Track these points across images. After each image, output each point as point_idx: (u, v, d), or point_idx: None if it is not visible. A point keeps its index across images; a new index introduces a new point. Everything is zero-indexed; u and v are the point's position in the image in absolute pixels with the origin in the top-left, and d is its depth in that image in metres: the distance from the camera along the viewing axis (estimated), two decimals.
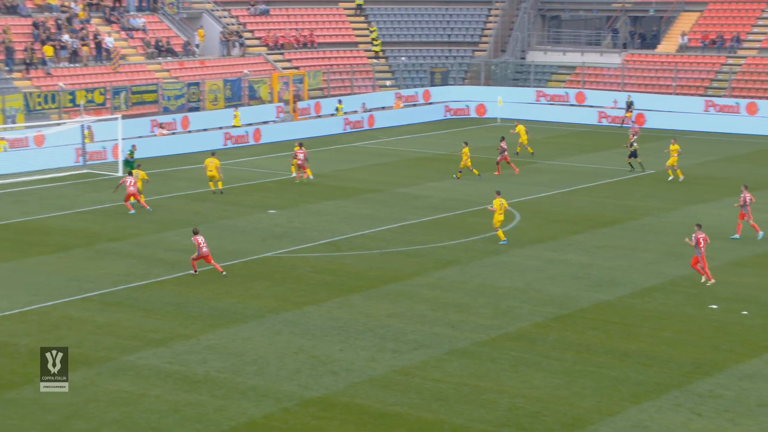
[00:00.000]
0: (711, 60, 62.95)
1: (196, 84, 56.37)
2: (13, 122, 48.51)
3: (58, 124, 46.95)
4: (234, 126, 54.33)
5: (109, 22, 59.38)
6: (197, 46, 61.69)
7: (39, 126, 46.73)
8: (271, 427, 19.94)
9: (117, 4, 60.62)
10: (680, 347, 24.24)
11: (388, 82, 63.78)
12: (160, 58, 58.92)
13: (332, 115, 59.21)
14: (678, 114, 59.03)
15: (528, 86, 65.12)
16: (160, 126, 52.00)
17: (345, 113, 59.21)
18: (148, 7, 62.03)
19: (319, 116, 59.09)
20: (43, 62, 53.72)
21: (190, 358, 23.22)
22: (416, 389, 21.60)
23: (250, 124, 55.24)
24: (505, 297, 27.85)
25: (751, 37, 63.51)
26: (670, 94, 61.29)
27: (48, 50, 54.09)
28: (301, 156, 43.05)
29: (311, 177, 43.30)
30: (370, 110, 60.79)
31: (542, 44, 69.56)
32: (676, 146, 43.78)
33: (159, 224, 35.61)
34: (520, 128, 49.81)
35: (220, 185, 40.89)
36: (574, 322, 25.89)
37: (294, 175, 43.67)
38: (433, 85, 65.78)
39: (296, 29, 66.66)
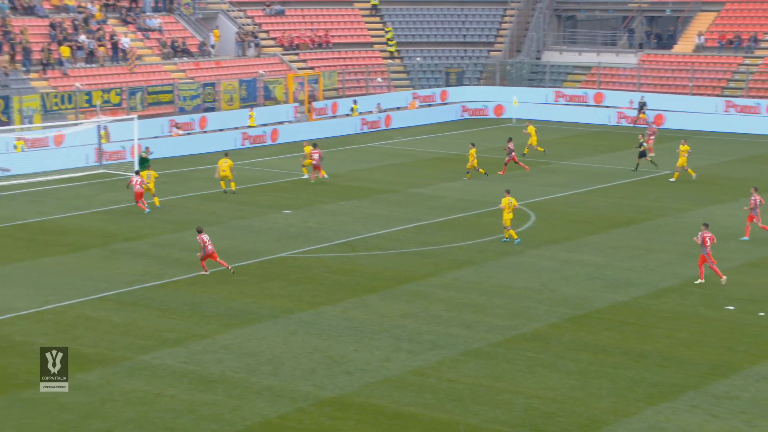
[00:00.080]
0: (728, 60, 62.69)
1: (212, 84, 56.52)
2: (30, 122, 48.75)
3: (75, 125, 47.16)
4: (249, 126, 54.45)
5: (125, 22, 59.61)
6: (213, 46, 61.85)
7: (55, 126, 46.94)
8: (287, 427, 19.96)
9: (133, 5, 60.85)
10: (696, 348, 24.14)
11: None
12: (175, 59, 59.09)
13: (347, 115, 59.26)
14: (696, 114, 58.79)
15: (543, 86, 65.01)
16: (176, 126, 52.19)
17: (360, 113, 59.26)
18: (164, 8, 62.24)
19: (335, 116, 59.16)
20: (60, 63, 53.97)
21: (206, 357, 23.27)
22: (431, 390, 21.59)
23: (265, 125, 55.35)
24: (521, 297, 27.80)
25: None
26: (687, 94, 61.06)
27: (65, 51, 54.33)
28: (316, 156, 43.15)
29: (326, 176, 43.37)
30: (385, 110, 60.82)
31: (558, 44, 69.42)
32: (686, 147, 43.63)
33: (175, 224, 35.72)
34: (531, 129, 49.84)
35: (233, 186, 40.98)
36: (590, 323, 25.82)
37: (306, 176, 43.74)
38: (448, 85, 65.77)
39: (311, 29, 66.74)
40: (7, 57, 52.09)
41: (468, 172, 43.93)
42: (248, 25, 64.88)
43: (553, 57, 67.97)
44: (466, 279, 29.44)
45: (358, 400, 21.06)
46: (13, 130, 46.99)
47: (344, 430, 19.89)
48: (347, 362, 23.03)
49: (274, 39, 65.23)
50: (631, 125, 58.85)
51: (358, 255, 32.12)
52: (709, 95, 60.53)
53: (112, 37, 57.05)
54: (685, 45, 65.05)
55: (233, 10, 65.09)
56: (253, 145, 52.97)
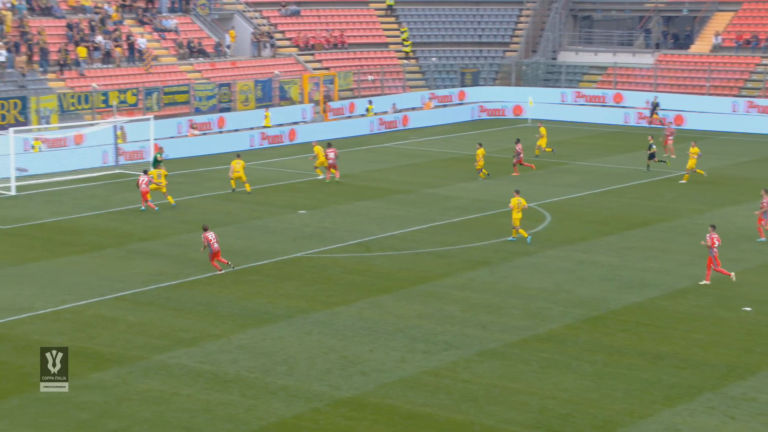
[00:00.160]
0: (745, 60, 62.39)
1: (227, 85, 56.65)
2: (48, 123, 48.99)
3: (92, 125, 47.37)
4: (265, 127, 54.55)
5: (141, 23, 59.80)
6: (228, 46, 61.98)
7: (71, 127, 47.14)
8: (302, 428, 19.99)
9: (149, 6, 61.04)
10: (713, 350, 24.04)
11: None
12: (191, 59, 59.26)
13: (363, 115, 59.28)
14: (713, 115, 58.51)
15: (559, 87, 64.87)
16: (193, 126, 52.34)
17: (375, 114, 59.28)
18: (180, 8, 62.41)
19: (350, 116, 59.20)
20: (77, 63, 54.19)
21: (221, 357, 23.33)
22: (446, 390, 21.58)
23: (280, 125, 55.44)
24: (536, 298, 27.75)
25: None
26: (704, 94, 60.80)
27: (82, 51, 54.56)
28: (332, 155, 43.20)
29: (337, 178, 43.39)
30: (400, 111, 60.82)
31: (574, 44, 69.24)
32: (696, 149, 43.45)
33: (190, 224, 35.80)
34: (543, 130, 49.80)
35: (247, 187, 41.05)
36: (605, 324, 25.75)
37: (321, 176, 43.79)
38: (463, 85, 65.71)
39: (327, 30, 66.79)
40: (24, 58, 52.35)
41: (479, 171, 43.91)
42: (264, 25, 64.99)
43: (568, 57, 67.80)
44: (481, 279, 29.40)
45: (373, 401, 21.06)
46: (30, 131, 47.22)
47: (359, 430, 19.89)
48: (362, 362, 23.04)
49: (289, 39, 65.31)
50: (648, 125, 58.65)
51: (373, 255, 32.13)
52: (726, 95, 60.26)
53: (128, 37, 57.26)
54: (702, 45, 64.77)
55: (249, 11, 65.20)
56: (271, 145, 53.06)
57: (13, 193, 40.94)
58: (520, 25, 70.18)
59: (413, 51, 68.22)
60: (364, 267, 30.78)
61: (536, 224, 35.61)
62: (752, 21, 64.65)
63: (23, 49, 53.00)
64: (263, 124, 54.73)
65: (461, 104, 63.94)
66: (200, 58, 59.72)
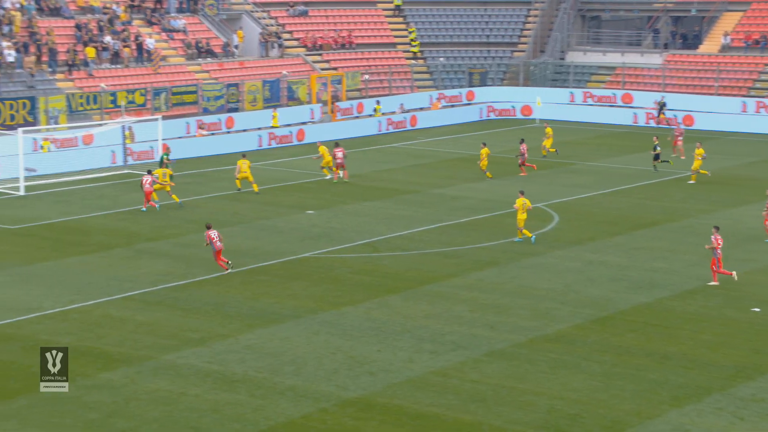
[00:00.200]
0: (754, 60, 62.22)
1: (236, 85, 56.70)
2: (56, 123, 49.10)
3: (100, 125, 47.46)
4: (272, 127, 54.58)
5: (150, 23, 59.90)
6: (236, 47, 62.04)
7: (79, 127, 47.24)
8: (309, 428, 20.00)
9: (158, 6, 61.14)
10: (721, 350, 23.98)
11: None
12: (199, 59, 59.33)
13: (370, 115, 59.28)
14: (722, 115, 58.35)
15: (567, 87, 64.78)
16: (201, 127, 52.40)
17: (383, 114, 59.27)
18: (188, 9, 62.48)
19: (358, 117, 59.20)
20: (86, 63, 54.30)
21: (229, 357, 23.35)
22: (454, 390, 21.57)
23: (288, 125, 55.48)
24: (544, 298, 27.71)
25: None
26: (712, 95, 60.65)
27: (90, 52, 54.67)
28: (340, 155, 43.23)
29: (341, 176, 43.38)
30: (408, 111, 60.81)
31: (582, 44, 69.13)
32: (701, 150, 43.33)
33: (198, 224, 35.81)
34: (549, 130, 49.76)
35: (255, 187, 41.08)
36: (614, 325, 25.71)
37: (329, 176, 43.82)
38: (471, 85, 65.66)
39: (335, 30, 66.81)
40: (33, 58, 52.48)
41: (486, 171, 43.95)
42: (272, 25, 65.03)
43: (577, 57, 67.68)
44: (489, 280, 29.38)
45: (381, 401, 21.06)
46: (39, 131, 47.33)
47: (367, 430, 19.90)
48: (370, 363, 23.04)
49: (297, 39, 65.35)
50: (656, 126, 58.54)
51: (380, 255, 32.13)
52: (735, 96, 60.11)
53: (136, 38, 57.36)
54: (710, 45, 64.61)
55: (257, 11, 65.26)
56: (279, 146, 53.10)
57: (22, 193, 41.04)
58: (528, 25, 70.09)
59: (421, 51, 68.19)
60: (371, 267, 30.78)
61: (544, 224, 35.57)
62: (761, 21, 64.47)
63: (32, 49, 53.13)
64: (271, 124, 54.77)
65: (470, 104, 63.91)
66: (208, 59, 59.79)
